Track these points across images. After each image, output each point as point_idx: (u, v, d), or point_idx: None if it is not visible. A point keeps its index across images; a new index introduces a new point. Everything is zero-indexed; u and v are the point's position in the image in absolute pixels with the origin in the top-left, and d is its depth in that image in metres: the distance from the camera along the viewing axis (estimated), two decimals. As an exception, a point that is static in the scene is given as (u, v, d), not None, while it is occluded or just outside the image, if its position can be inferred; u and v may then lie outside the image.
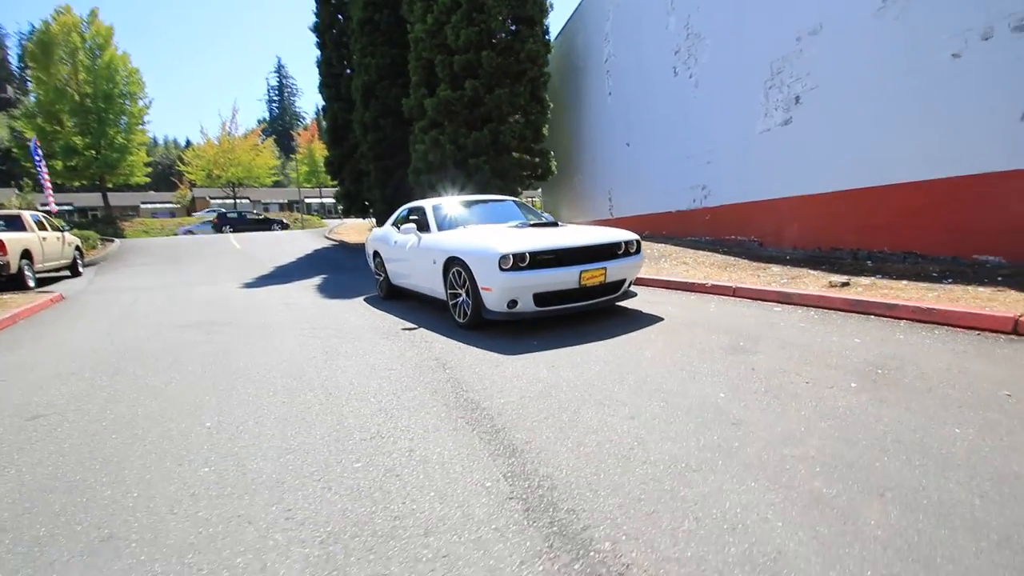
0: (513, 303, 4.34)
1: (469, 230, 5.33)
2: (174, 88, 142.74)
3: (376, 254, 7.25)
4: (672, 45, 9.55)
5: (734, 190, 8.20)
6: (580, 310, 4.56)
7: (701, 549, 1.49)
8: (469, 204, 6.22)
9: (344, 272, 11.47)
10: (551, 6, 12.85)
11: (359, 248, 17.70)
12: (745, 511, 1.65)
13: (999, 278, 4.48)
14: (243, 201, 41.33)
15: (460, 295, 4.83)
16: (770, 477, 1.84)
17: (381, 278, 7.18)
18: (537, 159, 13.18)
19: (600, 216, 13.07)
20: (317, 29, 18.14)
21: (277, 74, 78.60)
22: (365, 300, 7.22)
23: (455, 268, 4.80)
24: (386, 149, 15.61)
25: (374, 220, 19.83)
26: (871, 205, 5.93)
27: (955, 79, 4.93)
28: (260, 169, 38.43)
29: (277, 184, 48.08)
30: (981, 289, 4.31)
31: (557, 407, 2.65)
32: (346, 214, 19.11)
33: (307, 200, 42.10)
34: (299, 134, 47.82)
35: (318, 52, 18.41)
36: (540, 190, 18.94)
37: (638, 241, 4.95)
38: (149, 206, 44.59)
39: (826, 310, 4.40)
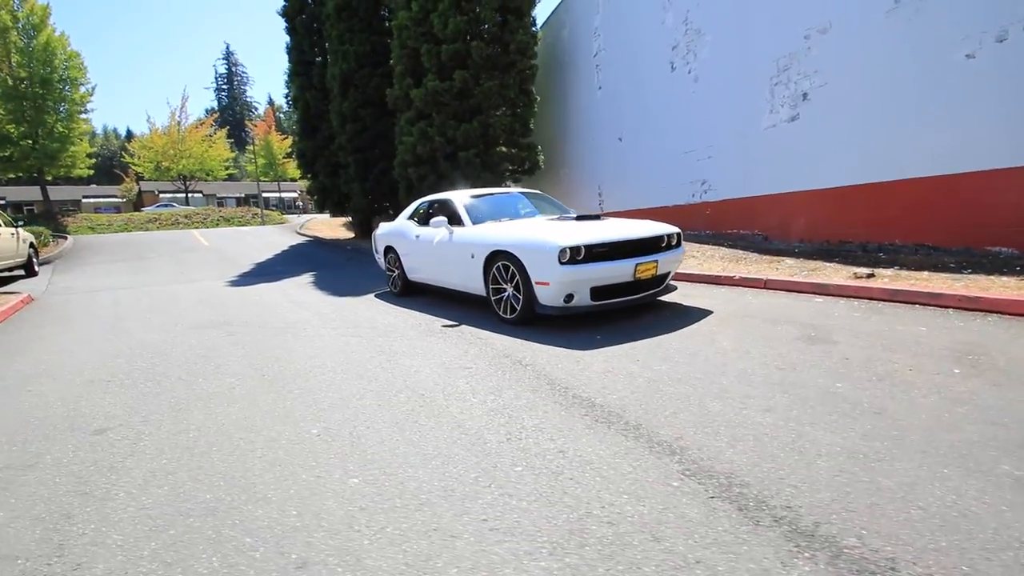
0: (570, 297, 4.27)
1: (508, 223, 5.21)
2: (110, 74, 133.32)
3: (388, 249, 7.01)
4: (669, 40, 9.67)
5: (737, 185, 8.40)
6: (632, 303, 4.55)
7: (948, 537, 1.48)
8: (495, 197, 6.09)
9: (333, 268, 11.05)
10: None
11: (336, 244, 17.13)
12: (960, 497, 1.66)
13: (1018, 267, 4.78)
14: (196, 195, 39.28)
15: (505, 290, 4.72)
16: (957, 463, 1.86)
17: (395, 274, 6.95)
18: (525, 153, 13.09)
19: (590, 211, 13.13)
20: (286, 14, 17.34)
21: (226, 61, 74.69)
22: (377, 296, 6.98)
23: (500, 262, 4.69)
24: (366, 141, 15.13)
25: (350, 217, 19.23)
26: (882, 199, 6.20)
27: (969, 79, 5.21)
28: (213, 161, 36.59)
29: (231, 178, 45.90)
30: (1005, 278, 4.57)
31: (678, 401, 2.61)
32: (320, 208, 18.41)
33: (265, 194, 40.25)
34: (254, 125, 45.73)
35: (287, 38, 17.61)
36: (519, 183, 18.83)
37: (679, 234, 4.97)
38: (91, 200, 41.56)
39: (868, 300, 4.56)
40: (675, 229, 4.93)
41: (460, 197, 5.85)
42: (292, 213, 43.40)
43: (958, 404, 2.36)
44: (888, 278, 5.11)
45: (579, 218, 5.03)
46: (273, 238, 18.83)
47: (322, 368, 3.62)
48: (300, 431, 2.51)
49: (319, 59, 17.56)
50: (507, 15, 12.42)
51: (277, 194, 44.65)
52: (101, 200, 41.85)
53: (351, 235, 19.76)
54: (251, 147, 44.37)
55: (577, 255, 4.21)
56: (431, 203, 6.45)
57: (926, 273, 5.12)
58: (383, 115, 15.13)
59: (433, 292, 6.62)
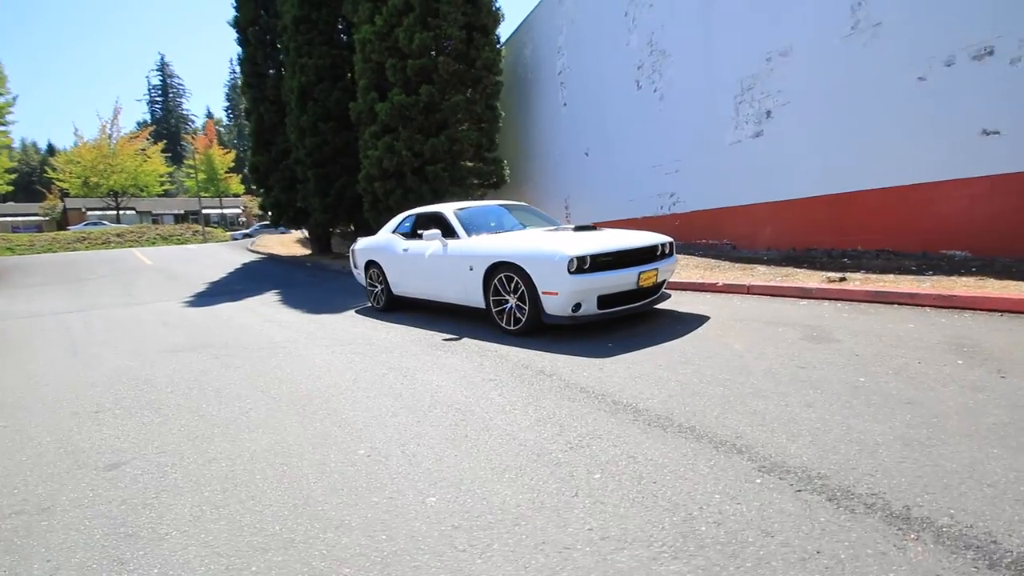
0: (577, 306, 4.31)
1: (506, 235, 5.22)
2: (27, 83, 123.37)
3: (370, 264, 6.84)
4: (634, 60, 10.06)
5: (705, 197, 8.79)
6: (635, 311, 4.64)
7: (1027, 514, 1.59)
8: (485, 209, 6.09)
9: (299, 286, 10.65)
10: (502, 16, 12.99)
11: (293, 261, 16.49)
12: (1019, 474, 1.79)
13: (973, 268, 5.25)
14: (128, 212, 36.84)
15: (507, 301, 4.71)
16: (1001, 443, 2.01)
17: (377, 289, 6.79)
18: (491, 167, 13.19)
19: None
20: (237, 24, 16.75)
21: (160, 72, 70.93)
22: (359, 313, 6.79)
23: (503, 273, 4.68)
24: (326, 155, 14.76)
25: (306, 231, 18.59)
26: (844, 209, 6.67)
27: (921, 99, 5.73)
28: (148, 177, 34.52)
29: (167, 194, 43.46)
30: (964, 279, 5.01)
31: (719, 402, 2.68)
32: (275, 224, 17.70)
33: (206, 210, 38.26)
34: (193, 138, 43.60)
35: (239, 49, 16.99)
36: (486, 197, 18.89)
37: (672, 243, 5.14)
38: (8, 219, 38.04)
39: (850, 302, 4.87)
40: (668, 239, 5.10)
41: (450, 210, 5.81)
42: (235, 230, 41.52)
43: (976, 391, 2.55)
44: (859, 281, 5.48)
45: (577, 229, 5.11)
46: (223, 256, 17.92)
47: (336, 388, 3.46)
48: (347, 453, 2.39)
49: (272, 71, 17.05)
50: (473, 32, 12.55)
51: (219, 210, 42.56)
52: (19, 219, 38.40)
53: (307, 251, 19.12)
54: (190, 161, 42.24)
55: (584, 265, 4.27)
56: (419, 216, 6.36)
57: (891, 276, 5.53)
58: (344, 129, 14.85)
59: (418, 306, 6.51)
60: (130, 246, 22.48)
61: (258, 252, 18.60)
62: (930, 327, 3.78)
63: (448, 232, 5.54)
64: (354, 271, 7.50)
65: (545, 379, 3.34)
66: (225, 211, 42.89)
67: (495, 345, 4.38)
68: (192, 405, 3.28)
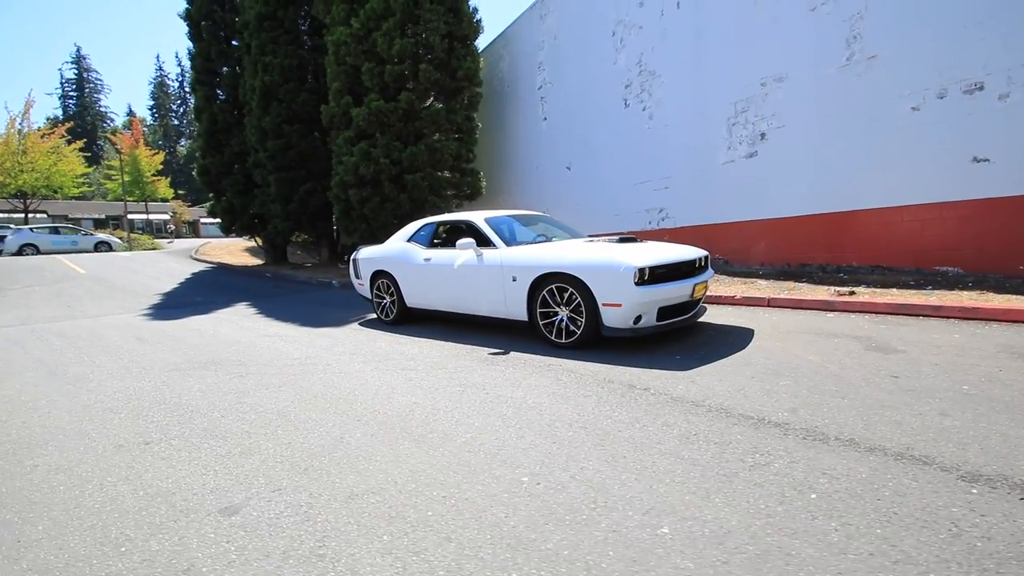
0: (639, 319, 4.25)
1: (551, 245, 5.07)
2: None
3: (379, 275, 6.47)
4: (622, 79, 10.31)
5: (696, 213, 9.08)
6: (687, 323, 4.64)
7: None
8: (513, 218, 5.92)
9: (271, 298, 9.94)
10: (482, 28, 12.96)
11: (250, 272, 15.39)
12: None
13: (969, 283, 5.71)
14: (39, 215, 33.16)
15: (558, 314, 4.57)
16: None
17: (385, 301, 6.43)
18: (469, 178, 13.02)
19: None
20: (189, 17, 15.63)
21: (75, 66, 64.81)
22: (363, 325, 6.44)
23: (554, 284, 4.54)
24: (291, 159, 13.98)
25: (259, 240, 17.44)
26: (839, 227, 7.09)
27: (915, 127, 6.22)
28: (64, 177, 31.26)
29: (82, 196, 39.60)
30: (965, 293, 5.43)
31: (855, 413, 2.67)
32: (226, 231, 16.48)
33: (131, 215, 35.02)
34: (114, 136, 40.04)
35: (190, 43, 15.83)
36: (461, 208, 18.62)
37: (708, 256, 5.22)
38: None
39: (874, 314, 5.13)
40: (705, 252, 5.16)
41: (480, 218, 5.60)
42: (163, 237, 38.43)
43: (1083, 398, 2.71)
44: (867, 295, 5.81)
45: (621, 240, 5.06)
46: (166, 265, 16.43)
47: (421, 407, 3.17)
48: (509, 481, 2.14)
49: (227, 68, 16.02)
50: (454, 42, 12.41)
51: (144, 215, 39.19)
52: (-102, 220, 33.35)
53: (259, 261, 17.93)
54: (111, 161, 38.75)
55: (644, 276, 4.22)
56: (440, 225, 6.09)
57: (895, 290, 5.90)
58: (311, 132, 14.17)
59: (430, 318, 6.23)
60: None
61: (205, 261, 17.22)
62: (976, 337, 4.02)
63: (482, 242, 5.32)
64: (355, 282, 7.06)
65: (644, 394, 3.22)
66: (151, 216, 39.50)
67: (552, 359, 4.21)
68: (265, 432, 2.87)
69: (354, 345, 5.26)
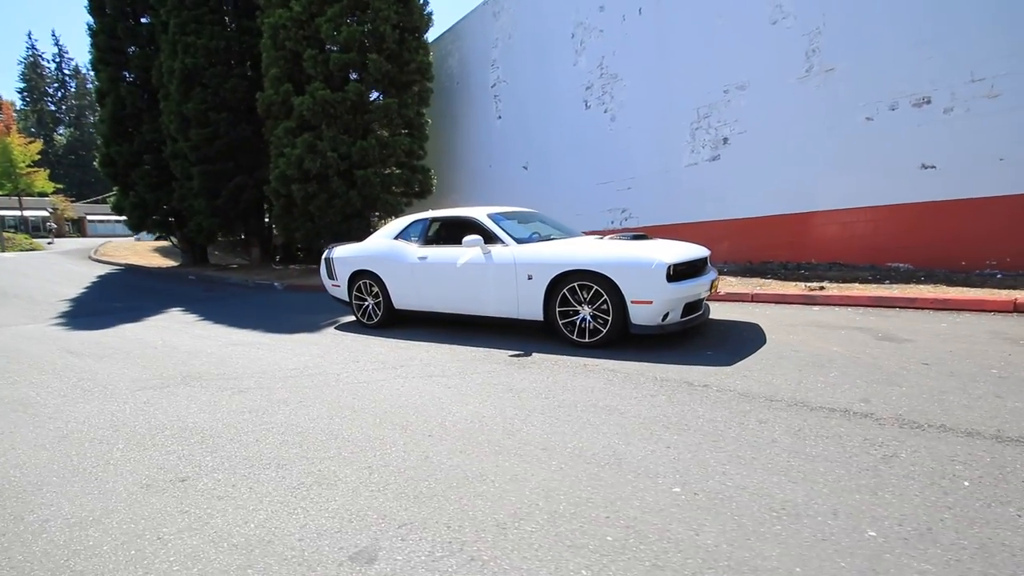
0: (666, 315, 4.23)
1: (568, 242, 4.91)
2: None
3: (360, 275, 6.01)
4: (583, 81, 10.41)
5: (659, 213, 9.35)
6: (702, 319, 4.70)
7: None
8: (515, 215, 5.70)
9: (207, 302, 8.99)
10: (432, 22, 12.55)
11: (166, 274, 13.78)
12: None
13: (921, 278, 6.32)
14: None
15: (579, 312, 4.44)
16: None
17: (367, 303, 5.98)
18: (420, 176, 12.56)
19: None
20: (88, -14, 13.71)
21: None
22: (341, 329, 6.03)
23: (575, 283, 4.40)
24: (219, 150, 12.74)
25: (175, 239, 15.62)
26: (799, 226, 7.60)
27: (869, 135, 6.79)
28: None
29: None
30: (921, 286, 6.00)
31: (938, 401, 2.78)
32: (135, 229, 14.65)
33: (2, 212, 30.02)
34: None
35: (91, 18, 13.87)
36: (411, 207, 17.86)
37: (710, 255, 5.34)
38: None
39: (856, 307, 5.50)
40: (709, 251, 5.27)
41: (483, 214, 5.33)
42: (42, 236, 33.59)
43: (1099, 377, 3.02)
44: (836, 289, 6.25)
45: (634, 238, 5.01)
46: (61, 267, 14.28)
47: (488, 418, 2.89)
48: (661, 492, 1.96)
49: (135, 48, 14.26)
50: (404, 33, 11.90)
51: (17, 212, 33.89)
52: None
53: (173, 262, 16.14)
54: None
55: (671, 272, 4.21)
56: (434, 221, 5.73)
57: (857, 284, 6.39)
58: (243, 121, 12.97)
59: (412, 321, 5.88)
60: None
61: (108, 262, 15.19)
62: (963, 326, 4.41)
63: (488, 239, 5.07)
64: (328, 283, 6.49)
65: (708, 391, 3.17)
66: (27, 213, 34.22)
67: (582, 359, 4.08)
68: (327, 456, 2.45)
69: (349, 351, 4.79)
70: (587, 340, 4.42)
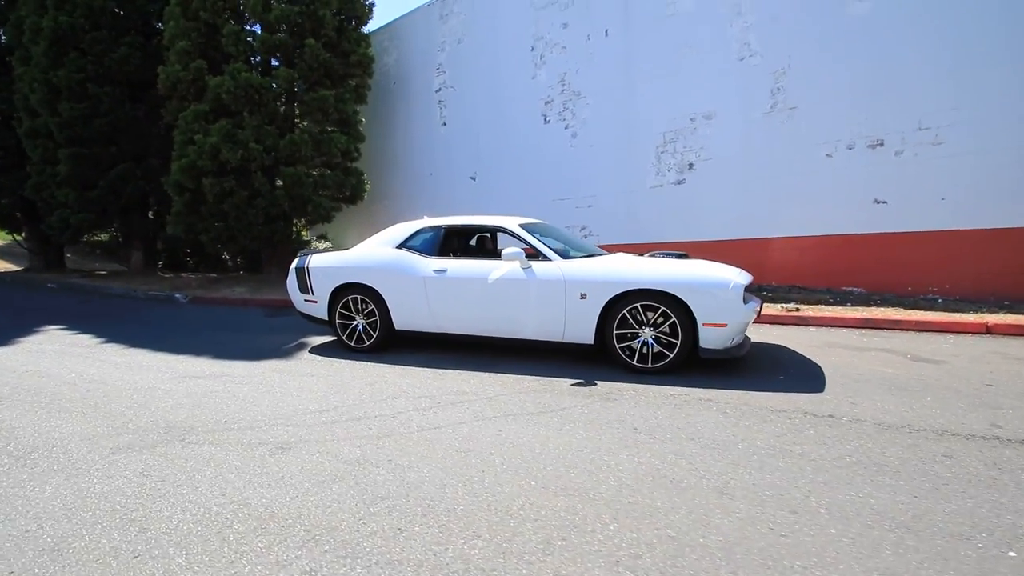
0: (732, 339, 4.06)
1: (615, 259, 4.54)
2: None
3: (345, 289, 5.10)
4: (541, 95, 10.25)
5: (621, 232, 9.41)
6: (750, 343, 4.61)
7: None
8: (546, 228, 5.20)
9: (96, 320, 7.32)
10: (372, 13, 11.62)
11: (15, 280, 10.70)
12: None
13: (877, 301, 6.97)
14: None
15: (638, 335, 4.10)
16: None
17: (358, 323, 5.11)
18: (354, 179, 11.48)
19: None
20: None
21: None
22: (316, 353, 5.10)
23: (638, 303, 4.07)
24: (99, 130, 10.47)
25: (20, 236, 12.38)
26: (760, 250, 8.07)
27: (828, 170, 7.43)
28: None
29: None
30: (880, 308, 6.60)
31: (1021, 424, 2.88)
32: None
33: None
34: None
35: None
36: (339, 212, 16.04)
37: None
38: None
39: (849, 328, 5.85)
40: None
41: (514, 224, 4.77)
42: None
43: None
44: (810, 311, 6.68)
45: (679, 257, 4.79)
46: None
47: (643, 467, 2.39)
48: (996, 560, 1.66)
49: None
50: (344, 20, 10.85)
51: None
52: None
53: (13, 267, 12.85)
54: None
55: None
56: (451, 230, 5.02)
57: (822, 306, 6.91)
58: (131, 99, 10.79)
59: (412, 342, 5.14)
60: None
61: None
62: (965, 347, 4.84)
63: (534, 254, 4.53)
64: (298, 298, 5.43)
65: (833, 421, 2.99)
66: None
67: (656, 387, 3.74)
68: (535, 548, 1.78)
69: (365, 383, 3.93)
70: (650, 366, 4.07)
